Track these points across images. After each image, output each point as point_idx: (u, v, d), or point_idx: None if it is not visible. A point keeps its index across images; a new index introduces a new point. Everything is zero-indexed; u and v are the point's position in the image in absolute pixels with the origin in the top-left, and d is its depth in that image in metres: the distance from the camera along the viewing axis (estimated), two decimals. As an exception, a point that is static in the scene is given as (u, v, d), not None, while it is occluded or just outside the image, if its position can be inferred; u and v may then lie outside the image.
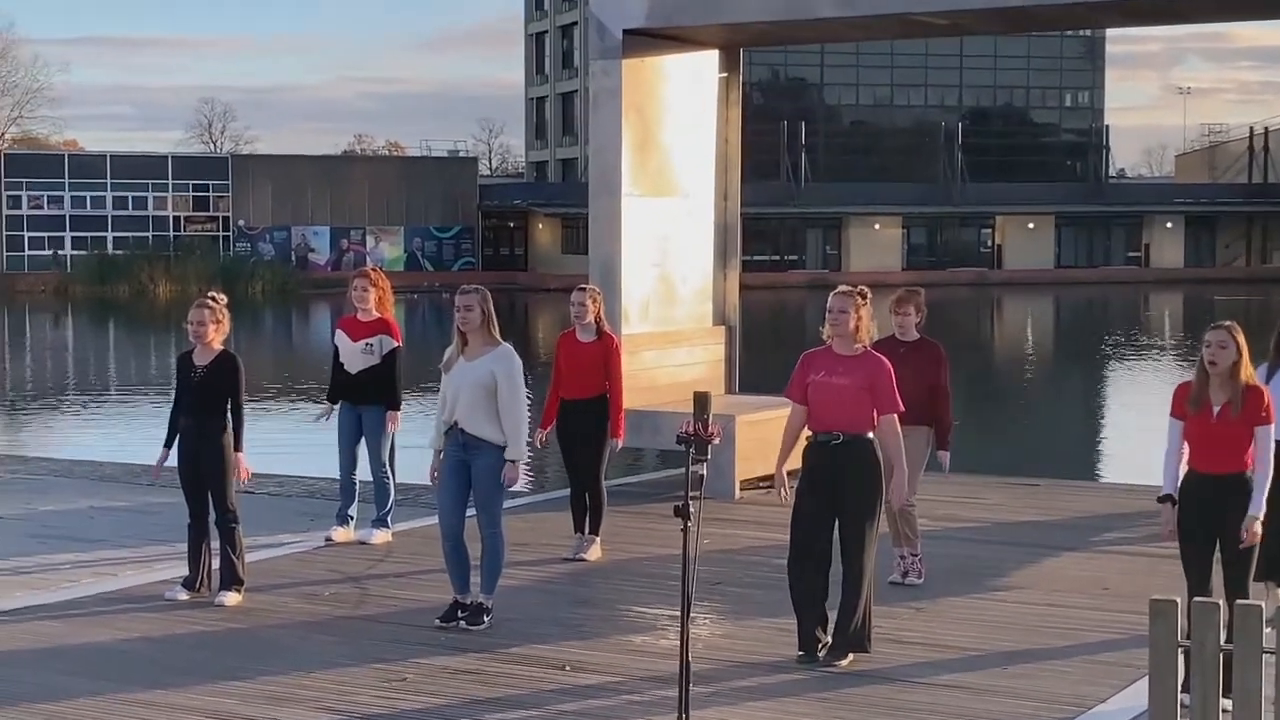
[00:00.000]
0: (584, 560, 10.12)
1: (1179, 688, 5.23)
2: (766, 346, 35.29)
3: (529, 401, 8.51)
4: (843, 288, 7.73)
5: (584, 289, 10.30)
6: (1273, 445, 6.95)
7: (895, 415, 7.60)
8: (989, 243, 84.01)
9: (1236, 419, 6.88)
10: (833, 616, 7.71)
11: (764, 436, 12.33)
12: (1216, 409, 6.90)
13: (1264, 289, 67.70)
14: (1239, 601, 5.21)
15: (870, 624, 7.70)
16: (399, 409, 10.58)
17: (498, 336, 8.25)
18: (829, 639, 7.69)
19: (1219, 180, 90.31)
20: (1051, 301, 67.76)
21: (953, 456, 9.65)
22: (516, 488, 9.47)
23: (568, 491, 10.56)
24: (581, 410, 10.11)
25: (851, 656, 7.62)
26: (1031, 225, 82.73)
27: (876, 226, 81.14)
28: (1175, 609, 5.19)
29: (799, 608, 7.68)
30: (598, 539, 10.30)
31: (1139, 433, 21.69)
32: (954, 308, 57.71)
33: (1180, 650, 5.21)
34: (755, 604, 8.87)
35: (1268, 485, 6.89)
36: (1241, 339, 6.94)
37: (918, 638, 8.22)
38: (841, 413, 7.53)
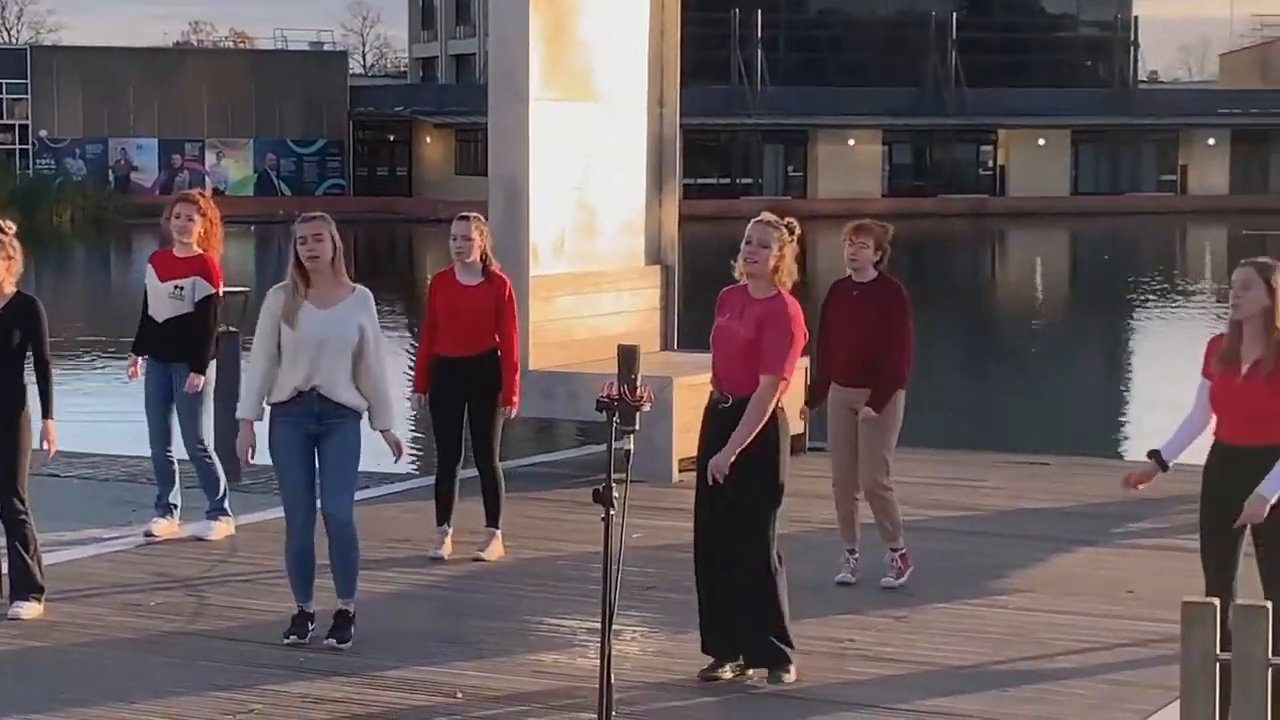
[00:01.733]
0: (482, 560, 10.13)
1: (1216, 713, 5.30)
2: (713, 292, 35.25)
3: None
4: (767, 216, 7.80)
5: (467, 217, 10.20)
6: None
7: (775, 379, 7.61)
8: (990, 163, 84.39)
9: (1266, 380, 7.01)
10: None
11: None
12: (1245, 367, 7.05)
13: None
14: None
15: (786, 627, 7.78)
16: (203, 371, 10.49)
17: (348, 276, 8.23)
18: (739, 657, 7.83)
19: (1275, 86, 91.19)
20: (1066, 236, 68.26)
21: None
22: (394, 467, 9.45)
23: (457, 474, 10.45)
24: (465, 371, 10.07)
25: (794, 670, 7.73)
26: (1042, 142, 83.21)
27: (850, 142, 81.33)
28: (1213, 615, 5.25)
29: (701, 608, 7.86)
30: (499, 533, 10.30)
31: (1171, 400, 21.85)
32: (946, 243, 58.08)
33: (1219, 665, 5.27)
34: (696, 613, 8.90)
35: None
36: (1277, 279, 7.04)
37: (897, 653, 8.29)
38: (733, 368, 7.68)
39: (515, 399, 10.16)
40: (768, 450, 7.65)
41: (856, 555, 9.64)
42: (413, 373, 10.52)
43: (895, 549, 9.60)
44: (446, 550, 10.20)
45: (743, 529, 7.67)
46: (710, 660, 7.83)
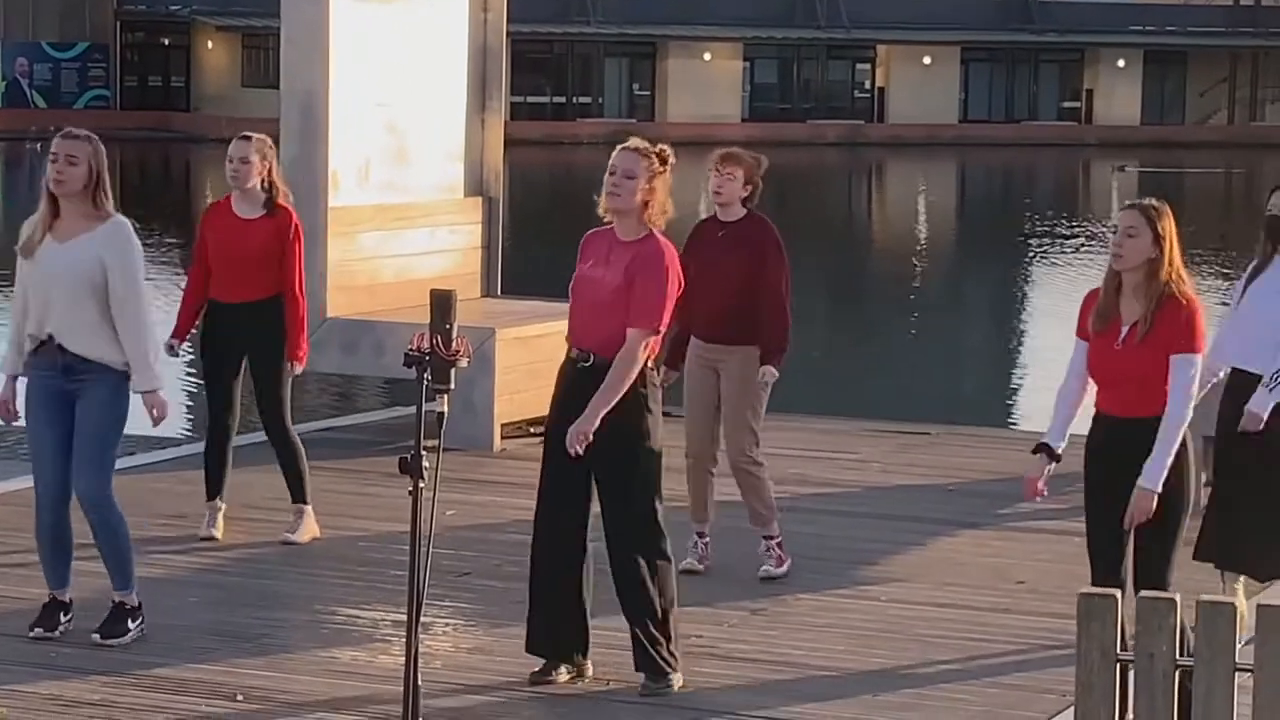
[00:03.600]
0: (291, 543, 10.05)
1: (1117, 717, 5.39)
2: (545, 230, 35.31)
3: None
4: (635, 142, 7.80)
5: (249, 138, 10.07)
6: (1194, 384, 7.14)
7: (643, 333, 7.62)
8: (867, 84, 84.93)
9: (1143, 342, 7.09)
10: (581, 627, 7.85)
11: (538, 360, 12.34)
12: (1125, 328, 7.12)
13: (1250, 158, 69.64)
14: (1204, 598, 5.37)
15: (673, 632, 7.79)
16: None
17: (110, 208, 8.06)
18: (582, 658, 7.85)
19: (1191, 1, 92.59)
20: (954, 169, 68.89)
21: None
22: (166, 431, 9.36)
23: (229, 441, 10.33)
24: (242, 319, 9.96)
25: (679, 677, 7.74)
26: (928, 60, 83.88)
27: (706, 57, 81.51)
28: (1114, 608, 5.33)
29: (535, 600, 7.84)
30: (308, 509, 10.19)
31: (1063, 361, 22.17)
32: (815, 176, 58.42)
33: (1119, 665, 5.36)
34: (520, 604, 8.90)
35: (1175, 444, 7.10)
36: (1168, 225, 7.11)
37: (752, 652, 8.35)
38: (596, 322, 7.67)
39: (301, 354, 10.01)
40: (639, 417, 7.65)
41: (707, 539, 9.66)
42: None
43: (769, 537, 9.60)
44: (219, 530, 10.11)
45: (628, 512, 7.64)
46: (541, 661, 7.82)
